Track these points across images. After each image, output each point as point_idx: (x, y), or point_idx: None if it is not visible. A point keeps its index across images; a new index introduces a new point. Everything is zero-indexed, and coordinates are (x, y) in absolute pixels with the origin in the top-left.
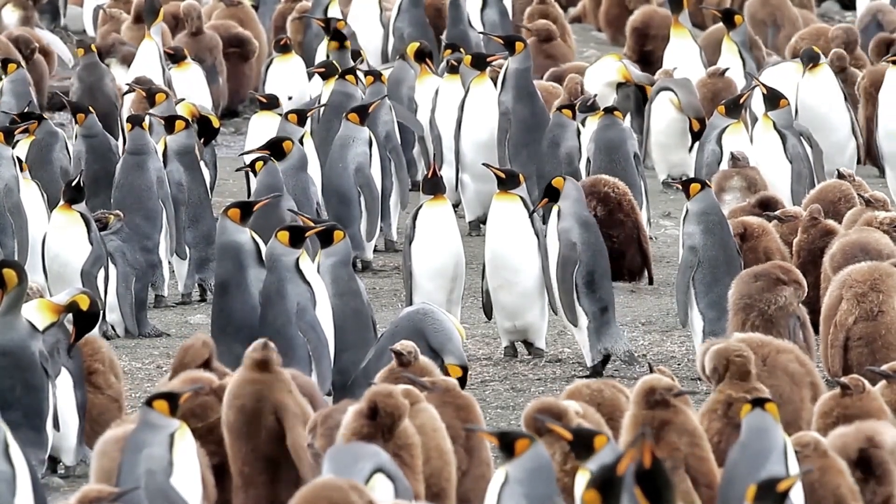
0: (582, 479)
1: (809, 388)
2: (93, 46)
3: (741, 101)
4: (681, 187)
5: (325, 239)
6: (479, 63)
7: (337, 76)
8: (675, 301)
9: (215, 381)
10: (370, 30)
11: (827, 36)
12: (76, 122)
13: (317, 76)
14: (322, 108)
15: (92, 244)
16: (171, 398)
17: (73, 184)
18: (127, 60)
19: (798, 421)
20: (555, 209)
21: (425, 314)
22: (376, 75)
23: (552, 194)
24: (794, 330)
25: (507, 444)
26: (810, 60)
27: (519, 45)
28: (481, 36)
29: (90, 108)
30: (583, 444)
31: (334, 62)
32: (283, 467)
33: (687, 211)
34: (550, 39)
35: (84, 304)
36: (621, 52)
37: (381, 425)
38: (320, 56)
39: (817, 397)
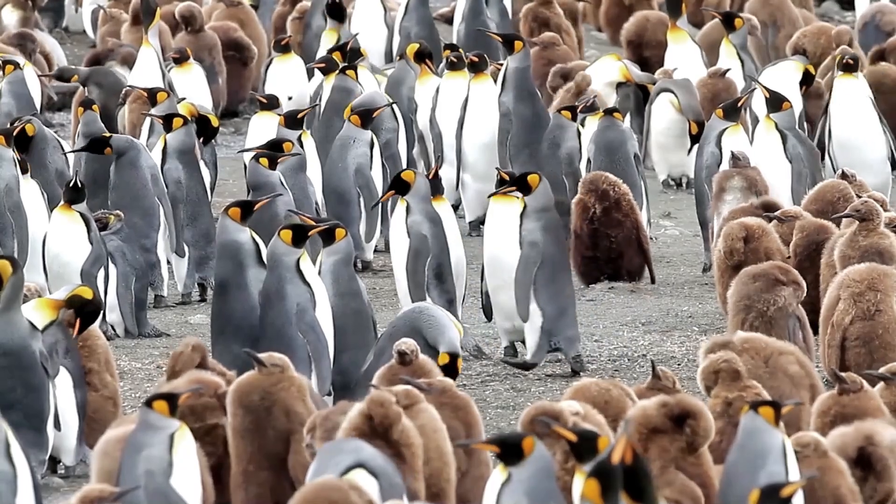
0: (580, 481)
1: (808, 390)
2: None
3: (739, 104)
4: (515, 188)
5: (328, 237)
6: (476, 64)
7: (337, 71)
8: (675, 301)
9: (222, 387)
10: (374, 30)
11: (829, 34)
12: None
13: (317, 73)
14: (322, 106)
15: (92, 244)
16: (171, 399)
17: (73, 184)
18: (127, 62)
19: (798, 422)
20: (402, 203)
21: (421, 311)
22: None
23: (401, 187)
24: (793, 331)
25: (513, 448)
26: (846, 67)
27: (518, 43)
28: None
29: (94, 105)
30: (587, 445)
31: (334, 57)
32: (287, 465)
33: (525, 206)
34: (552, 45)
35: (87, 295)
36: (621, 51)
37: (378, 429)
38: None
39: (815, 398)
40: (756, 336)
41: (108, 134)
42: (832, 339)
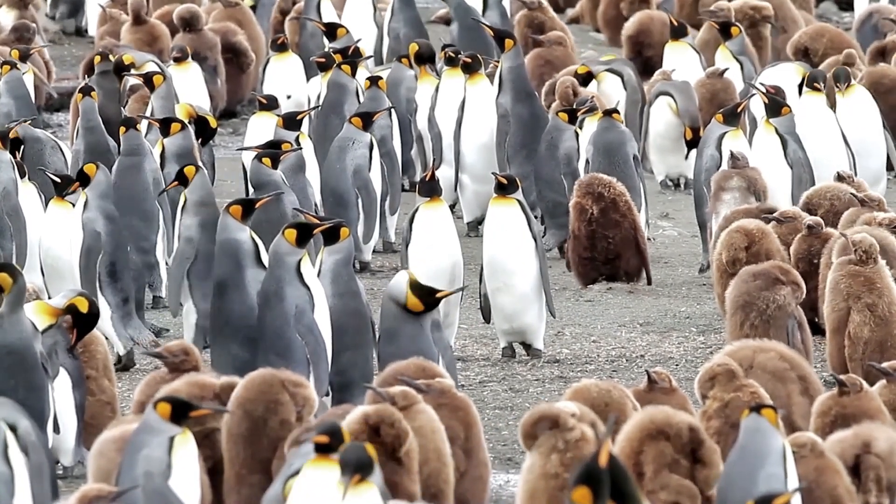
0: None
1: (798, 383)
2: (111, 55)
3: (739, 109)
4: (176, 182)
5: (330, 236)
6: (470, 65)
7: (334, 66)
8: (673, 301)
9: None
10: (364, 30)
11: (830, 34)
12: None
13: (317, 74)
14: (320, 104)
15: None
16: (177, 405)
17: (63, 177)
18: None
19: (790, 416)
20: (82, 197)
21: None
22: (374, 80)
23: (83, 180)
24: (792, 331)
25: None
26: (845, 81)
27: (508, 42)
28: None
29: (92, 92)
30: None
31: (332, 54)
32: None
33: (185, 200)
34: (556, 45)
35: (83, 307)
36: (619, 53)
37: (382, 442)
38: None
39: (809, 390)
40: (730, 347)
41: (125, 129)
42: (854, 353)
